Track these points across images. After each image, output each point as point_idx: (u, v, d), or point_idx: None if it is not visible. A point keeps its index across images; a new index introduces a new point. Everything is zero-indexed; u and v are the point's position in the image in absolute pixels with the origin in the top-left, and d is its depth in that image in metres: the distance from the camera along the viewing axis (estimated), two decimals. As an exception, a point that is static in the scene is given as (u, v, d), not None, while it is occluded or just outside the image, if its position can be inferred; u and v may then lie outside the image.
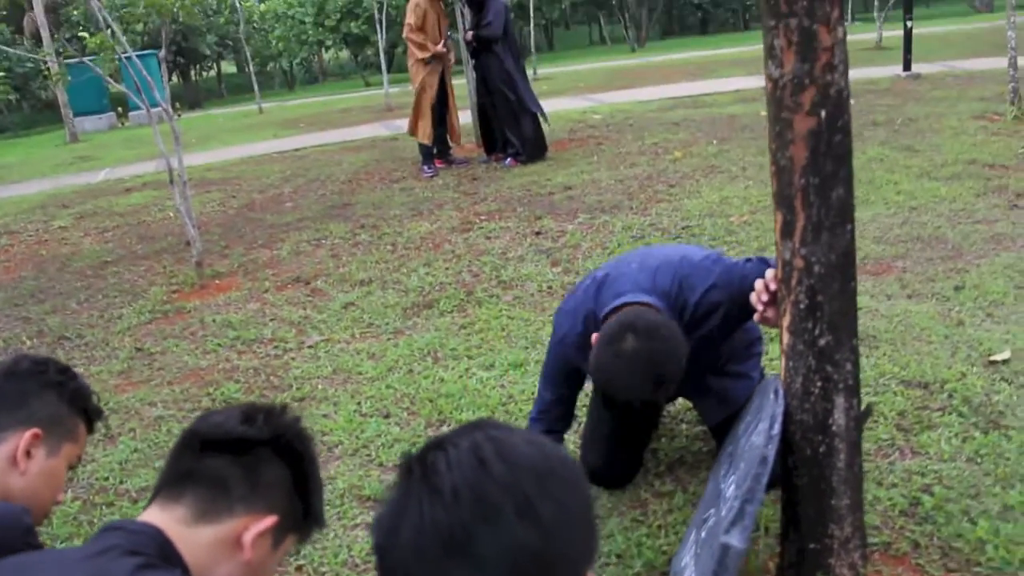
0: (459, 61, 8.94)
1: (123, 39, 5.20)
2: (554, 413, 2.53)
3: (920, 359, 3.24)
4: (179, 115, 21.83)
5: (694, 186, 6.46)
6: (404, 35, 8.13)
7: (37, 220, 8.32)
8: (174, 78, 30.16)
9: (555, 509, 0.76)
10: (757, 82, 12.01)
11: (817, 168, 2.00)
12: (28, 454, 1.43)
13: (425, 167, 8.15)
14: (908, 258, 4.43)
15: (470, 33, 8.04)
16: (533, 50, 16.47)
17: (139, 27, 25.86)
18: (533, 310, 4.31)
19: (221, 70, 35.46)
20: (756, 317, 2.01)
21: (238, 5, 18.43)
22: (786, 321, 2.07)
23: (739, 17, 35.89)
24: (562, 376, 2.48)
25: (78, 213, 8.40)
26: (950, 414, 2.83)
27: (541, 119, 8.10)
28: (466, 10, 8.33)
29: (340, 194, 7.74)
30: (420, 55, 7.99)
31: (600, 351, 2.08)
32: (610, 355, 2.04)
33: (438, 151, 8.44)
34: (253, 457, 1.16)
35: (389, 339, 4.16)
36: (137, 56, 17.06)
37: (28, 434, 1.43)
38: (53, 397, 1.49)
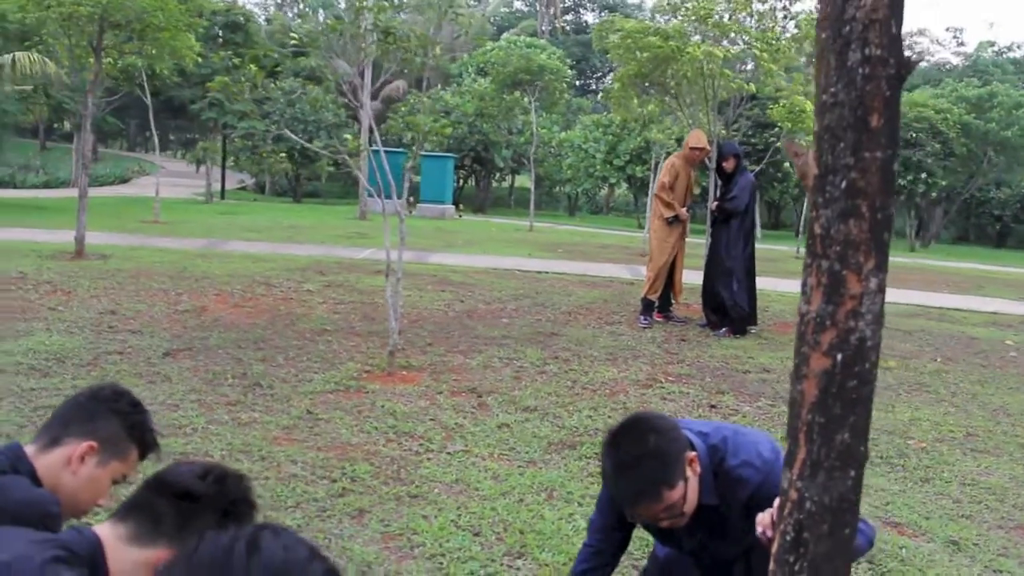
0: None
1: (379, 139, 5.92)
2: (602, 537, 2.55)
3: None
4: (411, 211, 23.56)
5: (891, 400, 6.16)
6: (655, 192, 8.54)
7: (294, 279, 9.44)
8: (469, 182, 32.82)
9: None
10: (1019, 308, 11.17)
11: (824, 408, 2.04)
12: (81, 460, 1.80)
13: (642, 317, 8.37)
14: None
15: (715, 203, 8.29)
16: (801, 228, 16.35)
17: (447, 131, 28.67)
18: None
19: (514, 183, 38.03)
20: (759, 533, 2.03)
21: (535, 131, 19.93)
22: (774, 547, 2.10)
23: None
24: (610, 505, 2.51)
25: (327, 282, 9.43)
26: None
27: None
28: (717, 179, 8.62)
29: (553, 323, 8.12)
30: (666, 214, 8.33)
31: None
32: (604, 457, 2.13)
33: (659, 306, 8.65)
34: (193, 506, 1.44)
35: (520, 466, 4.36)
36: (436, 157, 18.89)
37: (85, 444, 1.81)
38: (116, 422, 1.86)
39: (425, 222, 20.65)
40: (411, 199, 23.93)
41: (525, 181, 41.58)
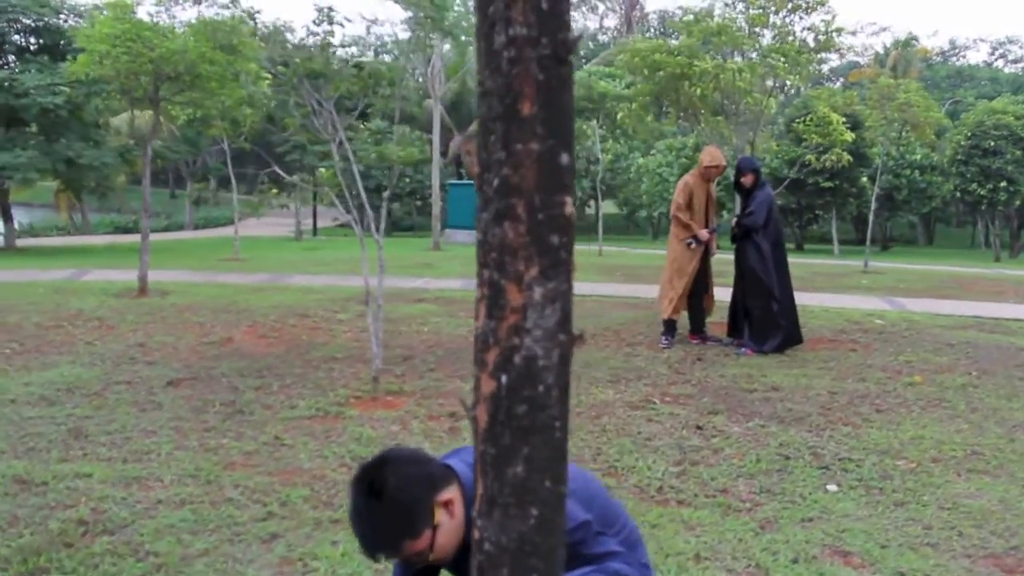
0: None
1: (355, 169, 6.03)
2: None
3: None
4: None
5: (901, 417, 5.87)
6: (671, 212, 8.41)
7: (332, 309, 9.70)
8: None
9: None
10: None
11: (494, 437, 1.90)
12: None
13: (663, 338, 8.23)
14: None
15: (734, 220, 8.13)
16: (868, 242, 15.78)
17: (414, 158, 28.90)
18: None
19: (599, 210, 37.93)
20: None
21: (600, 157, 19.98)
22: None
23: None
24: None
25: (362, 311, 9.64)
26: None
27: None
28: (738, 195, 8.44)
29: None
30: (682, 236, 8.18)
31: None
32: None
33: (693, 327, 8.50)
34: None
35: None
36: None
37: None
38: None
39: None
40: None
41: (612, 207, 41.57)
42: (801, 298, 11.11)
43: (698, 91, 7.86)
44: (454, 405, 5.89)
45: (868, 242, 15.63)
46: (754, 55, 8.15)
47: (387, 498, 1.93)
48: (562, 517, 1.68)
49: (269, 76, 6.99)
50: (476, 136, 1.31)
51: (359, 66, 5.52)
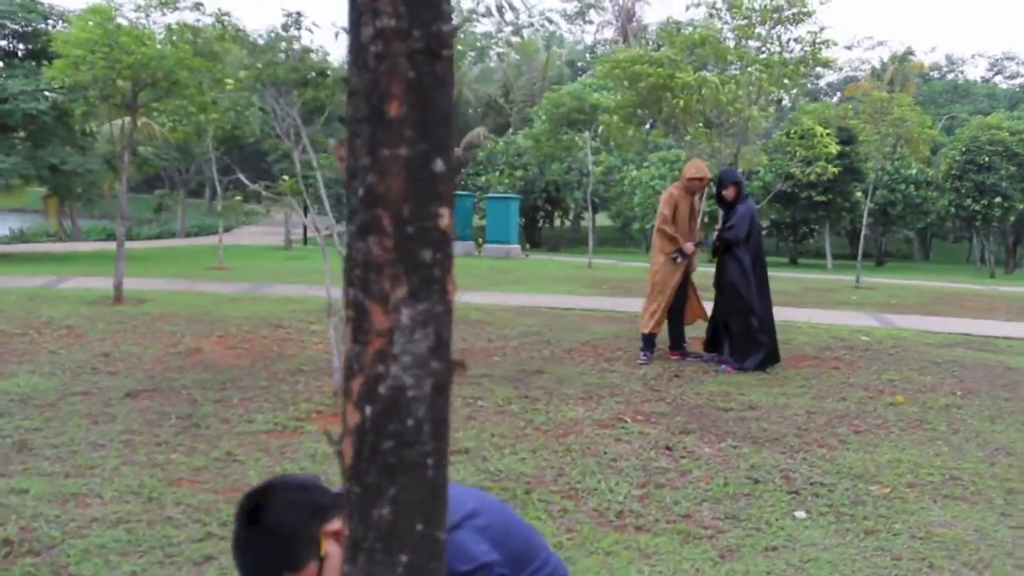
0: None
1: (320, 177, 5.88)
2: None
3: None
4: (479, 252, 23.44)
5: (878, 439, 5.69)
6: (656, 225, 8.25)
7: (307, 320, 9.50)
8: (541, 223, 32.95)
9: None
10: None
11: (359, 475, 1.71)
12: None
13: (642, 354, 8.05)
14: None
15: (715, 233, 7.97)
16: (860, 257, 15.62)
17: (518, 174, 29.02)
18: (560, 527, 4.08)
19: (594, 222, 37.89)
20: None
21: (591, 168, 19.83)
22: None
23: None
24: None
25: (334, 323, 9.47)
26: None
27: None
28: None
29: (547, 360, 7.90)
30: (667, 250, 8.02)
31: None
32: None
33: (673, 343, 8.33)
34: None
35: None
36: (500, 199, 19.11)
37: None
38: None
39: (486, 262, 20.68)
40: (479, 240, 24.06)
41: (606, 219, 41.49)
42: (789, 313, 11.00)
43: (680, 103, 7.71)
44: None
45: (860, 257, 15.47)
46: (736, 68, 7.98)
47: (266, 527, 1.79)
48: (438, 563, 1.50)
49: (230, 81, 6.81)
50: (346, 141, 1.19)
51: (323, 72, 5.37)
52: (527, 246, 25.92)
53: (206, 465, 4.71)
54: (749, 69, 7.87)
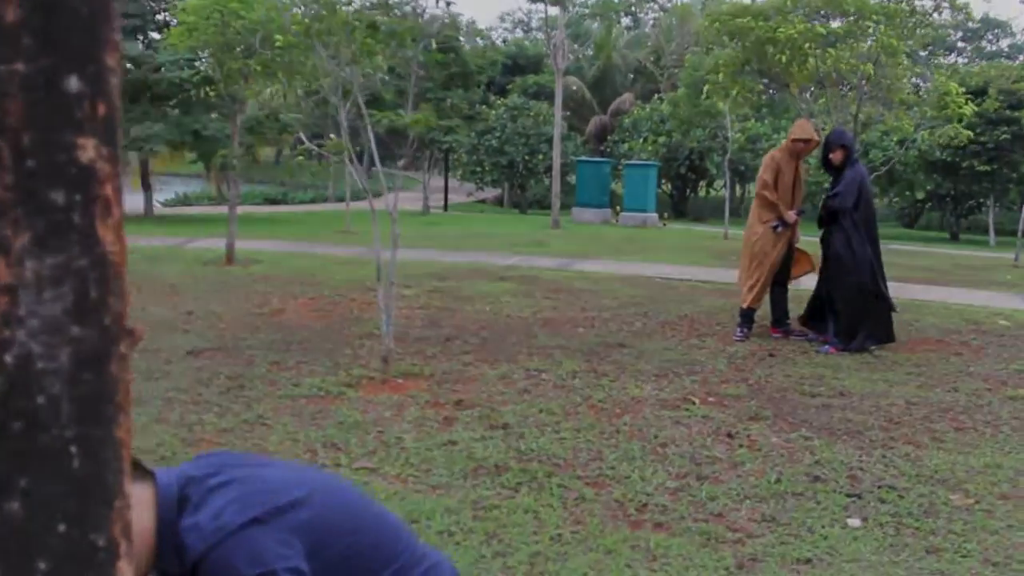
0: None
1: (372, 139, 5.59)
2: None
3: None
4: (615, 220, 22.72)
5: (981, 439, 4.95)
6: (756, 191, 7.61)
7: (405, 284, 9.40)
8: (688, 191, 31.94)
9: None
10: None
11: None
12: None
13: (739, 330, 7.46)
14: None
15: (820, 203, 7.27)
16: (1021, 233, 14.08)
17: (661, 140, 28.09)
18: (567, 517, 3.72)
19: (735, 191, 36.41)
20: None
21: (729, 135, 18.84)
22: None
23: None
24: None
25: (434, 287, 9.32)
26: None
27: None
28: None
29: (635, 333, 7.45)
30: (765, 218, 7.38)
31: None
32: None
33: (776, 319, 7.70)
34: None
35: (419, 491, 3.90)
36: (638, 166, 18.57)
37: None
38: None
39: (619, 230, 20.15)
40: (617, 208, 23.48)
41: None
42: (925, 292, 10.02)
43: (782, 59, 7.00)
44: (465, 392, 5.45)
45: (1020, 233, 13.94)
46: (854, 18, 7.14)
47: None
48: (95, 573, 1.21)
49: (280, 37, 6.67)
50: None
51: (374, 25, 5.12)
52: (665, 215, 25.10)
53: (233, 427, 4.62)
54: (866, 22, 7.03)
